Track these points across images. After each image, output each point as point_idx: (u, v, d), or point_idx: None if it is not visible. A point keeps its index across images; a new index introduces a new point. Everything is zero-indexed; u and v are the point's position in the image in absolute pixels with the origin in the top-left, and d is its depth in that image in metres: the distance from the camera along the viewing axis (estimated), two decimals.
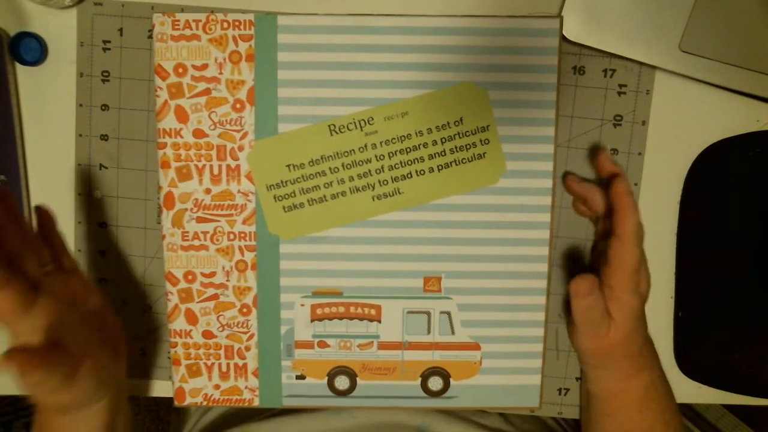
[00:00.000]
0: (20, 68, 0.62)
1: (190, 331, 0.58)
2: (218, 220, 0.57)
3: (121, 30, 0.61)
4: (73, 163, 0.63)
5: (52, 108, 0.63)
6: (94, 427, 0.54)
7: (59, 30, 0.62)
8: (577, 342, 0.59)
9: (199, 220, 0.57)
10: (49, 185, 0.64)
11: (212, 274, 0.57)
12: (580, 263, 0.63)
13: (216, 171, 0.56)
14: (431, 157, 0.56)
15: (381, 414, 0.66)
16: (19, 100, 0.62)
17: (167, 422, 1.40)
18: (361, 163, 0.56)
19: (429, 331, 0.58)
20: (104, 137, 0.63)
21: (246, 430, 0.67)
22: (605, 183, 0.56)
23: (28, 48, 0.61)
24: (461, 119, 0.56)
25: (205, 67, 0.55)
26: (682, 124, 0.62)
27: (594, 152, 0.59)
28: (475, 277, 0.58)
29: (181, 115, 0.56)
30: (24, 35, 0.60)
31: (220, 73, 0.55)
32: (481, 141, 0.56)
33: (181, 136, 0.56)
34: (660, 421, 0.59)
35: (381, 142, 0.56)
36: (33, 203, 0.64)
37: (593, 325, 0.55)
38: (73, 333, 0.49)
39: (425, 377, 0.59)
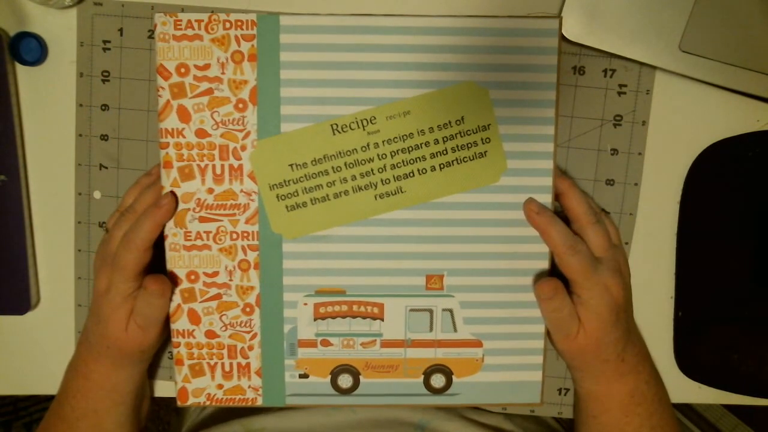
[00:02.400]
0: (20, 68, 0.62)
1: (193, 330, 0.58)
2: (221, 220, 0.57)
3: (121, 30, 0.61)
4: (73, 163, 0.63)
5: (52, 108, 0.63)
6: (135, 386, 0.61)
7: (59, 30, 0.62)
8: (552, 343, 0.60)
9: (202, 219, 0.57)
10: (49, 185, 0.63)
11: (215, 274, 0.57)
12: None
13: (218, 171, 0.56)
14: (433, 155, 0.56)
15: (381, 410, 0.66)
16: (19, 100, 0.62)
17: (167, 422, 1.40)
18: (363, 162, 0.56)
19: (431, 329, 0.58)
20: (104, 137, 0.63)
21: (246, 424, 0.67)
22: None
23: (28, 48, 0.61)
24: (462, 118, 0.56)
25: (207, 66, 0.55)
26: (682, 124, 0.62)
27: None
28: (476, 275, 0.58)
29: (184, 115, 0.56)
30: (24, 35, 0.60)
31: (223, 73, 0.55)
32: (482, 140, 0.56)
33: (184, 136, 0.56)
34: (646, 426, 0.59)
35: (383, 141, 0.56)
36: (33, 203, 0.64)
37: (562, 327, 0.56)
38: None
39: (428, 375, 0.59)
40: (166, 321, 0.59)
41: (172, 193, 0.56)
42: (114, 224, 0.58)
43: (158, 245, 0.57)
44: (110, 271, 0.56)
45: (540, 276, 0.58)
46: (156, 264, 0.57)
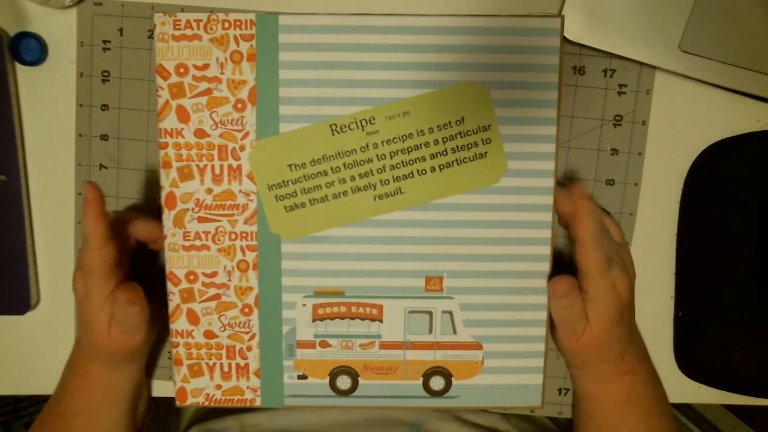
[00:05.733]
0: (20, 68, 0.62)
1: (192, 331, 0.58)
2: (220, 220, 0.57)
3: (121, 30, 0.61)
4: (73, 163, 0.63)
5: (52, 108, 0.63)
6: (132, 385, 0.61)
7: (59, 30, 0.62)
8: (555, 340, 0.60)
9: (201, 220, 0.57)
10: (49, 185, 0.63)
11: (214, 274, 0.57)
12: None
13: (217, 171, 0.56)
14: (433, 156, 0.56)
15: (376, 410, 0.66)
16: (19, 100, 0.62)
17: (167, 422, 1.40)
18: (362, 162, 0.56)
19: (431, 331, 0.58)
20: (104, 137, 0.63)
21: (241, 420, 0.67)
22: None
23: (28, 48, 0.61)
24: (462, 118, 0.56)
25: (206, 66, 0.55)
26: (682, 124, 0.62)
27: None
28: (476, 277, 0.58)
29: (183, 115, 0.56)
30: (24, 35, 0.60)
31: (222, 73, 0.55)
32: (482, 140, 0.56)
33: (183, 136, 0.56)
34: (642, 427, 0.59)
35: (382, 142, 0.56)
36: (33, 203, 0.64)
37: (570, 324, 0.56)
38: None
39: (427, 377, 0.59)
40: (156, 320, 0.59)
41: (89, 182, 0.55)
42: None
43: (145, 250, 0.58)
44: (83, 276, 0.56)
45: (541, 276, 0.58)
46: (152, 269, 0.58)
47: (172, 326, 0.58)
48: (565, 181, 0.62)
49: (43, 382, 0.66)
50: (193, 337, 0.58)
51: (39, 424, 0.61)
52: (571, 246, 0.63)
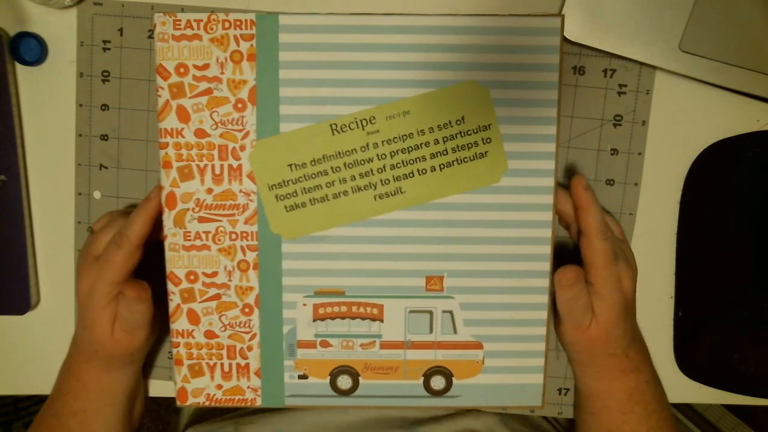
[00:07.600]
0: (20, 68, 0.62)
1: (192, 331, 0.58)
2: (220, 220, 0.57)
3: (121, 30, 0.61)
4: (73, 163, 0.63)
5: (52, 108, 0.63)
6: (127, 388, 0.61)
7: (59, 30, 0.62)
8: (560, 335, 0.60)
9: (201, 220, 0.57)
10: (49, 185, 0.63)
11: (214, 274, 0.57)
12: (579, 261, 0.63)
13: (218, 171, 0.56)
14: (433, 156, 0.56)
15: (373, 411, 0.66)
16: (19, 100, 0.62)
17: (167, 422, 1.40)
18: (362, 162, 0.56)
19: (431, 331, 0.58)
20: (104, 137, 0.63)
21: (238, 422, 0.67)
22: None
23: (28, 48, 0.61)
24: (463, 118, 0.56)
25: (206, 66, 0.55)
26: (682, 124, 0.62)
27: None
28: (477, 276, 0.58)
29: (183, 115, 0.56)
30: (24, 35, 0.60)
31: (222, 73, 0.55)
32: (482, 140, 0.56)
33: (183, 136, 0.56)
34: (644, 425, 0.59)
35: (383, 142, 0.56)
36: (33, 203, 0.64)
37: (576, 317, 0.56)
38: None
39: (428, 376, 0.59)
40: (157, 321, 0.59)
41: (160, 187, 0.56)
42: (101, 227, 0.58)
43: (147, 259, 0.58)
44: (95, 272, 0.56)
45: (542, 276, 0.58)
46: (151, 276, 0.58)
47: (173, 326, 0.58)
48: (565, 182, 0.62)
49: (43, 382, 0.66)
50: (193, 337, 0.58)
51: (37, 423, 0.61)
52: (572, 245, 0.63)
